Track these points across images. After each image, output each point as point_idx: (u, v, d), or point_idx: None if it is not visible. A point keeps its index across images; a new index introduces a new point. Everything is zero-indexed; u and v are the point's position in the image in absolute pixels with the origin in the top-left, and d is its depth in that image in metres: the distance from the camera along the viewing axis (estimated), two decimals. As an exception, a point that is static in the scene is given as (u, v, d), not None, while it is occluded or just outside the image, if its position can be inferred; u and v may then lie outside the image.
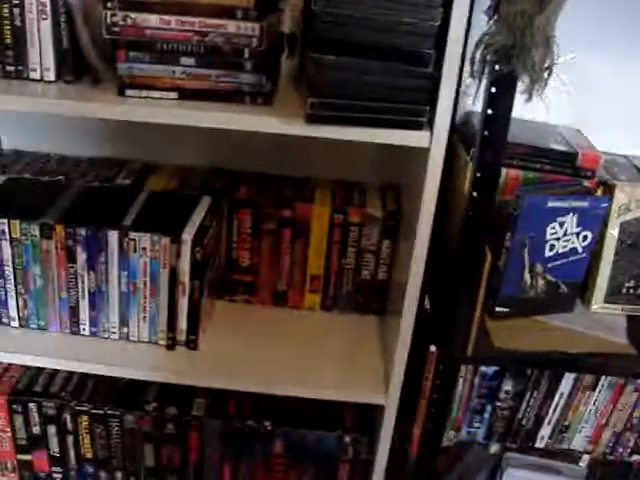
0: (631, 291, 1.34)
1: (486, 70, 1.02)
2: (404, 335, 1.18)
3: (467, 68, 1.04)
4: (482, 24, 1.01)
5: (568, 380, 1.36)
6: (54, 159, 1.47)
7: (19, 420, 1.39)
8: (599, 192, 1.29)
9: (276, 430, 1.37)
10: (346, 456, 1.39)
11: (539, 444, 1.45)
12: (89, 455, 1.43)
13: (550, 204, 1.21)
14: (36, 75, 1.11)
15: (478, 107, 1.14)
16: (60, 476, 1.46)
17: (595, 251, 1.30)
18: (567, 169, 1.27)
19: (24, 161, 1.45)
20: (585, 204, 1.23)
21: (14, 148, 1.51)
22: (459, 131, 1.34)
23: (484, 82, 1.04)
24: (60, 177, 1.39)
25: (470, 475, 1.51)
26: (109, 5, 1.03)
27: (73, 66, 1.11)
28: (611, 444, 1.43)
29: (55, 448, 1.42)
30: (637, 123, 1.38)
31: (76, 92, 1.10)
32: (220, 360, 1.28)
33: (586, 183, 1.28)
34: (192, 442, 1.39)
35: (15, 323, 1.32)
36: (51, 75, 1.11)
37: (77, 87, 1.11)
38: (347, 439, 1.37)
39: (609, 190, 1.28)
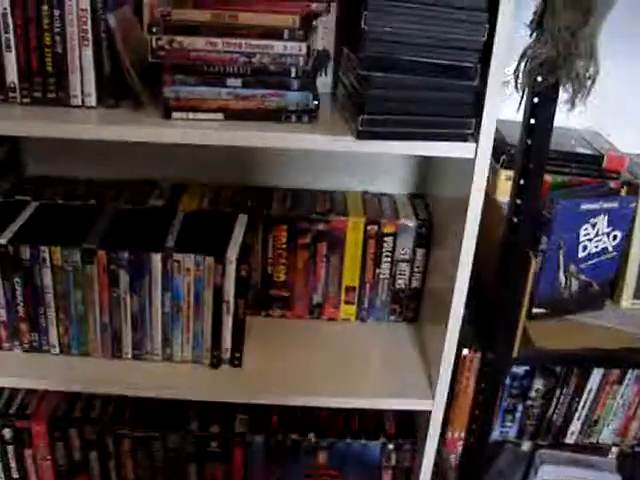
0: (659, 287, 1.39)
1: (529, 82, 1.05)
2: (451, 340, 1.20)
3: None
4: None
5: (596, 376, 1.40)
6: (81, 183, 1.46)
7: (60, 446, 1.39)
8: (623, 192, 1.33)
9: (320, 442, 1.38)
10: (389, 463, 1.41)
11: (569, 440, 1.48)
12: (132, 478, 1.42)
13: (583, 207, 1.24)
14: (77, 101, 1.11)
15: (502, 115, 1.17)
16: (102, 500, 1.46)
17: (624, 249, 1.34)
18: (593, 171, 1.31)
19: (52, 187, 1.44)
20: (615, 204, 1.27)
21: (37, 174, 1.50)
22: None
23: (524, 93, 1.08)
24: (92, 201, 1.38)
25: (505, 474, 1.53)
26: (154, 30, 1.03)
27: (114, 91, 1.11)
28: (639, 436, 1.47)
29: (97, 473, 1.42)
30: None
31: (119, 117, 1.09)
32: (264, 376, 1.29)
33: (612, 184, 1.31)
34: (236, 459, 1.40)
35: (56, 350, 1.30)
36: (92, 101, 1.11)
37: (119, 112, 1.11)
38: (390, 446, 1.39)
39: (634, 190, 1.32)
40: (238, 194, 1.43)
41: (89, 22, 1.06)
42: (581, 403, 1.43)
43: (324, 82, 1.24)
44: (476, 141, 1.06)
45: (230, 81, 1.07)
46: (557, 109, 1.08)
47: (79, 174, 1.48)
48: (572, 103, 1.05)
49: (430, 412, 1.27)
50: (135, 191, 1.43)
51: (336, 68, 1.24)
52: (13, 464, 1.41)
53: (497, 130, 1.34)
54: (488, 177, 1.29)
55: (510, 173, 1.23)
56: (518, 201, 1.13)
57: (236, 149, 1.16)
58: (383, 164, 1.47)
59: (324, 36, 1.23)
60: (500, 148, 1.30)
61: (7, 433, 1.38)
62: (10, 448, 1.39)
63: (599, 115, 1.40)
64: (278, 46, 1.04)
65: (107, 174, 1.48)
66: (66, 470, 1.42)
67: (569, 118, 1.36)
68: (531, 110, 1.08)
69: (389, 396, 1.28)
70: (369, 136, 1.04)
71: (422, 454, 1.33)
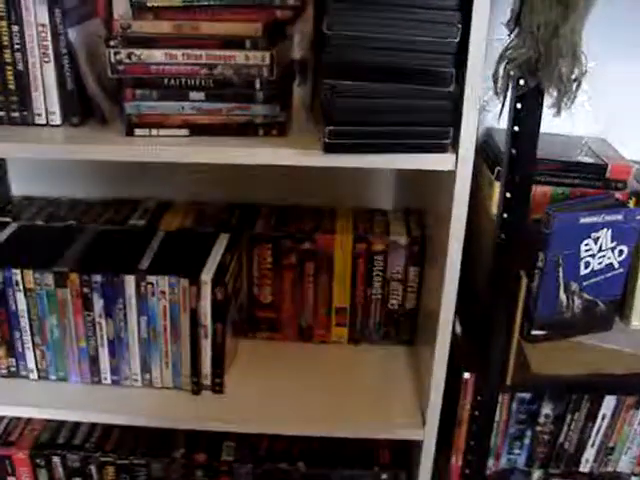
0: (671, 305, 1.29)
1: (510, 85, 0.97)
2: (439, 364, 1.13)
3: (486, 84, 1.00)
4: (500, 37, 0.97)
5: (610, 400, 1.31)
6: (65, 203, 1.44)
7: (43, 474, 1.35)
8: (631, 203, 1.24)
9: (311, 471, 1.32)
10: (384, 493, 1.34)
11: (584, 468, 1.39)
12: (116, 507, 1.38)
13: (582, 220, 1.16)
14: (42, 120, 1.07)
15: (499, 123, 1.10)
16: (88, 530, 1.42)
17: (632, 265, 1.24)
18: (597, 182, 1.22)
19: (35, 207, 1.42)
20: (619, 217, 1.18)
21: (24, 194, 1.48)
22: (481, 149, 1.30)
23: (507, 98, 1.00)
24: (72, 222, 1.36)
25: (514, 504, 1.45)
26: (112, 43, 0.99)
27: (79, 108, 1.08)
28: (659, 463, 1.37)
29: (81, 501, 1.38)
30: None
31: (83, 135, 1.06)
32: (248, 403, 1.24)
33: (618, 195, 1.23)
34: (223, 488, 1.34)
35: (34, 375, 1.27)
36: (57, 119, 1.07)
37: (84, 130, 1.08)
38: (384, 476, 1.32)
39: (642, 200, 1.23)
40: (223, 212, 1.39)
41: (49, 38, 1.03)
42: (595, 429, 1.34)
43: (304, 94, 1.19)
44: (456, 152, 0.99)
45: (193, 95, 1.02)
46: (563, 117, 1.00)
47: (64, 193, 1.46)
48: (558, 108, 0.97)
49: (421, 441, 1.20)
50: (118, 211, 1.40)
51: (315, 78, 1.18)
52: (-3, 492, 1.39)
53: (492, 139, 1.29)
54: (484, 189, 1.25)
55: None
56: (505, 215, 1.05)
57: (219, 165, 1.12)
58: (375, 178, 1.40)
59: (302, 45, 1.17)
60: (496, 158, 1.22)
61: (-10, 461, 1.35)
62: (-6, 476, 1.37)
63: (610, 122, 1.33)
64: (240, 56, 1.00)
65: (92, 193, 1.45)
66: (50, 499, 1.38)
67: (575, 126, 1.31)
68: (514, 117, 1.00)
69: (379, 425, 1.21)
70: (337, 149, 0.98)
71: (417, 485, 1.26)
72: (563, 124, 1.18)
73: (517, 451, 1.38)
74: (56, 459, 1.34)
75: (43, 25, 1.02)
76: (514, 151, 1.01)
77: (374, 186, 1.42)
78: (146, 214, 1.39)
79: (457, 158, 0.99)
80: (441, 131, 0.99)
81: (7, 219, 1.36)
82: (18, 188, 1.48)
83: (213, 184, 1.41)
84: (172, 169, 1.31)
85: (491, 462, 1.37)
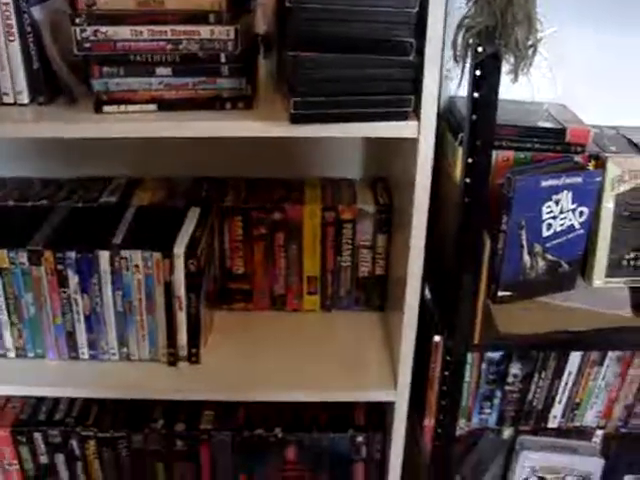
0: (632, 263, 1.32)
1: (469, 53, 1.00)
2: (408, 328, 1.17)
3: (447, 53, 1.02)
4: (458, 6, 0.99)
5: (575, 357, 1.35)
6: (36, 183, 1.44)
7: (25, 451, 1.37)
8: (591, 166, 1.27)
9: (287, 436, 1.35)
10: (360, 456, 1.37)
11: (552, 424, 1.44)
12: (99, 479, 1.40)
13: (544, 183, 1.19)
14: (9, 99, 1.07)
15: (462, 92, 1.12)
16: (72, 503, 1.44)
17: (592, 226, 1.28)
18: (557, 146, 1.25)
19: (6, 188, 1.42)
20: (579, 180, 1.22)
21: (-6, 176, 1.48)
22: (444, 117, 1.32)
23: (467, 65, 1.03)
24: (44, 201, 1.36)
25: (486, 462, 1.50)
26: (77, 21, 1.00)
27: (46, 87, 1.08)
28: (623, 417, 1.42)
29: (65, 476, 1.40)
30: (622, 94, 1.37)
31: (51, 113, 1.07)
32: (224, 372, 1.26)
33: (577, 158, 1.26)
34: (204, 456, 1.37)
35: (12, 354, 1.29)
36: (24, 98, 1.07)
37: (52, 108, 1.08)
38: (360, 438, 1.35)
39: (601, 163, 1.26)
40: (193, 186, 1.40)
41: (13, 16, 1.03)
42: (561, 386, 1.38)
43: (269, 66, 1.20)
44: (418, 119, 1.01)
45: (160, 70, 1.03)
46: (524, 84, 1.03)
47: (35, 174, 1.46)
48: (515, 74, 0.99)
49: (394, 403, 1.23)
50: (88, 189, 1.40)
51: (280, 52, 1.20)
52: (-20, 470, 1.41)
53: (456, 107, 1.32)
54: (448, 155, 1.28)
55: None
56: (467, 180, 1.08)
57: (189, 140, 1.13)
58: (342, 148, 1.42)
59: (265, 18, 1.19)
60: (459, 125, 1.25)
61: (-28, 439, 1.37)
62: (-24, 454, 1.38)
63: (569, 88, 1.36)
64: (205, 31, 1.01)
65: (62, 173, 1.46)
66: (34, 474, 1.40)
67: (537, 92, 1.34)
68: (474, 83, 1.02)
69: (352, 388, 1.24)
70: (303, 120, 1.00)
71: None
72: (524, 91, 1.21)
73: (488, 411, 1.42)
74: (37, 435, 1.35)
75: (6, 4, 1.02)
76: (474, 117, 1.04)
77: (341, 157, 1.44)
78: (117, 191, 1.39)
79: (419, 125, 1.02)
80: (403, 99, 1.01)
81: (-22, 201, 1.36)
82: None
83: (182, 159, 1.41)
84: (141, 146, 1.33)
85: (463, 422, 1.41)
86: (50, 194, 1.39)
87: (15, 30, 1.04)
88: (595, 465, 1.47)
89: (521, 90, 1.11)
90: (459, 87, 1.04)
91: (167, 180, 1.43)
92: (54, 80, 1.09)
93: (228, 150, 1.36)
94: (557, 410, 1.41)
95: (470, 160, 1.07)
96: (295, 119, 1.00)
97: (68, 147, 1.40)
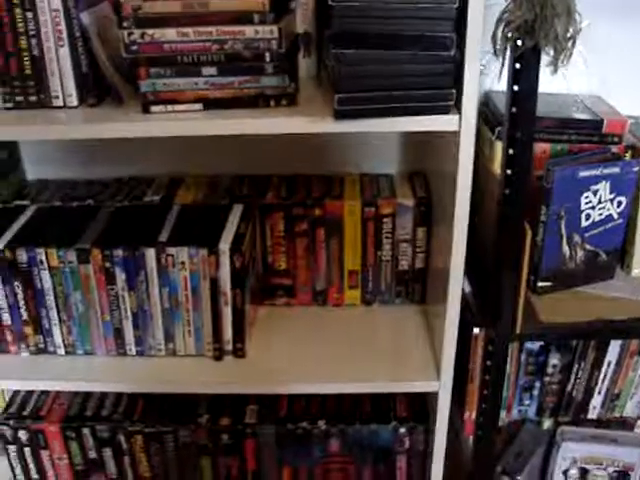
0: (670, 251, 1.33)
1: (508, 47, 1.02)
2: (451, 320, 1.18)
3: (485, 47, 1.04)
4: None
5: (614, 348, 1.36)
6: (79, 184, 1.47)
7: (74, 446, 1.41)
8: (628, 157, 1.28)
9: (331, 429, 1.37)
10: (403, 447, 1.39)
11: (591, 415, 1.45)
12: (147, 474, 1.43)
13: (582, 174, 1.20)
14: (59, 102, 1.10)
15: (497, 86, 1.13)
16: (120, 498, 1.47)
17: (631, 216, 1.29)
18: (594, 137, 1.26)
19: (50, 189, 1.46)
20: (616, 170, 1.22)
21: (38, 178, 1.51)
22: (481, 112, 1.34)
23: (506, 58, 1.04)
24: (89, 201, 1.39)
25: (526, 453, 1.51)
26: (125, 24, 1.03)
27: (95, 89, 1.11)
28: (665, 407, 1.42)
29: (113, 470, 1.43)
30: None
31: (100, 115, 1.09)
32: (269, 365, 1.28)
33: (614, 149, 1.27)
34: (248, 450, 1.39)
35: (61, 351, 1.32)
36: (74, 100, 1.10)
37: (101, 110, 1.11)
38: (402, 430, 1.37)
39: (638, 153, 1.27)
40: (234, 184, 1.43)
41: (63, 22, 1.06)
42: (601, 377, 1.39)
43: (309, 65, 1.23)
44: (459, 113, 1.03)
45: (205, 70, 1.05)
46: (558, 77, 1.04)
47: (77, 175, 1.49)
48: (555, 66, 1.01)
49: (437, 394, 1.25)
50: (132, 188, 1.44)
51: (319, 50, 1.22)
52: (31, 465, 1.44)
53: (492, 101, 1.34)
54: (485, 149, 1.29)
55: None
56: (508, 172, 1.09)
57: (230, 139, 1.14)
58: (380, 144, 1.44)
59: (305, 18, 1.21)
60: (496, 119, 1.27)
61: (23, 435, 1.40)
62: (27, 450, 1.41)
63: (604, 80, 1.37)
64: (249, 31, 1.03)
65: (104, 174, 1.49)
66: (82, 469, 1.43)
67: (571, 84, 1.35)
68: (513, 76, 1.04)
69: (396, 379, 1.26)
70: (346, 115, 1.02)
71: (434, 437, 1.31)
72: (558, 84, 1.22)
73: (527, 402, 1.44)
74: (86, 430, 1.39)
75: (56, 10, 1.05)
76: (514, 109, 1.06)
77: (378, 153, 1.46)
78: (160, 190, 1.42)
79: (460, 119, 1.03)
80: (444, 93, 1.02)
81: (25, 202, 1.40)
82: (32, 172, 1.52)
83: (222, 158, 1.45)
84: (182, 146, 1.36)
85: (503, 414, 1.43)
86: (94, 194, 1.42)
87: (65, 35, 1.07)
88: (637, 455, 1.48)
89: (555, 84, 1.12)
90: (498, 81, 1.05)
91: (208, 179, 1.46)
92: (102, 83, 1.11)
93: (267, 148, 1.38)
94: (597, 401, 1.42)
95: (511, 152, 1.08)
96: (339, 115, 1.01)
97: (109, 149, 1.44)
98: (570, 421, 1.49)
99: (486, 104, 1.35)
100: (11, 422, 1.39)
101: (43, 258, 1.23)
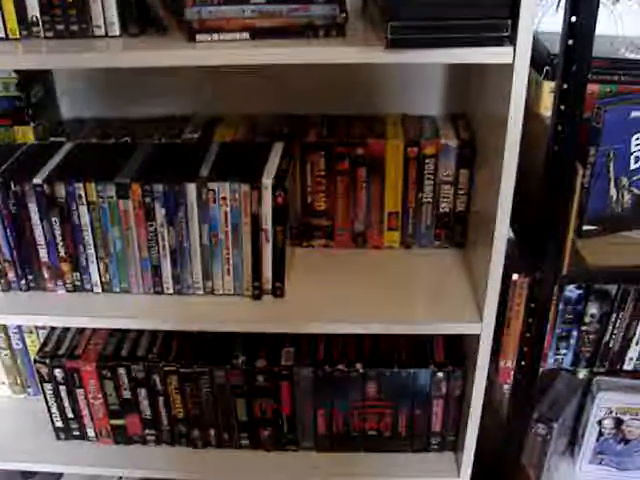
0: None
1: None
2: (496, 262, 1.16)
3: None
4: None
5: (654, 297, 1.34)
6: (116, 123, 1.45)
7: (109, 386, 1.40)
8: (679, 99, 1.25)
9: (368, 372, 1.36)
10: (440, 392, 1.38)
11: (627, 366, 1.43)
12: (181, 415, 1.43)
13: (634, 114, 1.17)
14: (101, 32, 1.08)
15: (541, 27, 1.09)
16: (154, 438, 1.47)
17: (680, 159, 1.26)
18: (645, 78, 1.24)
19: (86, 128, 1.44)
20: (668, 111, 1.20)
21: (74, 116, 1.49)
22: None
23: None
24: (126, 138, 1.38)
25: (561, 402, 1.49)
26: (172, -50, 1.01)
27: (137, 18, 1.09)
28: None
29: (147, 411, 1.43)
30: None
31: (144, 44, 1.07)
32: (308, 305, 1.27)
33: (665, 90, 1.24)
34: (284, 392, 1.39)
35: (98, 288, 1.31)
36: (116, 30, 1.08)
37: (144, 39, 1.09)
38: (440, 374, 1.36)
39: (690, 96, 1.24)
40: (273, 123, 1.40)
41: (107, -52, 1.04)
42: (639, 328, 1.37)
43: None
44: (513, 45, 1.00)
45: (253, -2, 1.03)
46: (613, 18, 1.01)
47: (113, 114, 1.47)
48: (615, -3, 0.98)
49: (479, 336, 1.23)
50: (169, 127, 1.41)
51: (365, -18, 1.20)
52: (67, 404, 1.44)
53: (539, 41, 1.30)
54: (531, 90, 1.26)
55: (554, 85, 1.16)
56: (562, 107, 1.07)
57: (268, 77, 1.12)
58: (422, 85, 1.41)
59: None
60: (543, 59, 1.23)
61: (58, 374, 1.39)
62: (62, 388, 1.41)
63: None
64: (300, -43, 1.00)
65: (140, 112, 1.47)
66: (117, 408, 1.43)
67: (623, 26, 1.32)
68: (572, 6, 1.01)
69: (437, 321, 1.24)
70: (399, 44, 0.99)
71: (472, 382, 1.29)
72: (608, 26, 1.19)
73: (564, 351, 1.43)
74: (121, 370, 1.38)
75: (101, -63, 1.03)
76: (571, 42, 1.03)
77: (420, 93, 1.43)
78: (198, 129, 1.40)
79: (515, 51, 1.00)
80: (499, 24, 0.99)
81: (62, 139, 1.38)
82: (68, 111, 1.50)
83: (261, 98, 1.42)
84: (220, 83, 1.34)
85: (539, 363, 1.42)
86: (131, 132, 1.40)
87: (109, -39, 1.05)
88: (673, 406, 1.47)
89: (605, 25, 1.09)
90: (557, 9, 1.02)
91: (246, 117, 1.43)
92: (145, 13, 1.09)
93: (307, 88, 1.36)
94: (633, 352, 1.41)
95: (565, 86, 1.05)
96: (392, 43, 0.98)
97: (145, 87, 1.42)
98: (605, 371, 1.47)
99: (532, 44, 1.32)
100: (47, 360, 1.39)
101: (82, 193, 1.21)
